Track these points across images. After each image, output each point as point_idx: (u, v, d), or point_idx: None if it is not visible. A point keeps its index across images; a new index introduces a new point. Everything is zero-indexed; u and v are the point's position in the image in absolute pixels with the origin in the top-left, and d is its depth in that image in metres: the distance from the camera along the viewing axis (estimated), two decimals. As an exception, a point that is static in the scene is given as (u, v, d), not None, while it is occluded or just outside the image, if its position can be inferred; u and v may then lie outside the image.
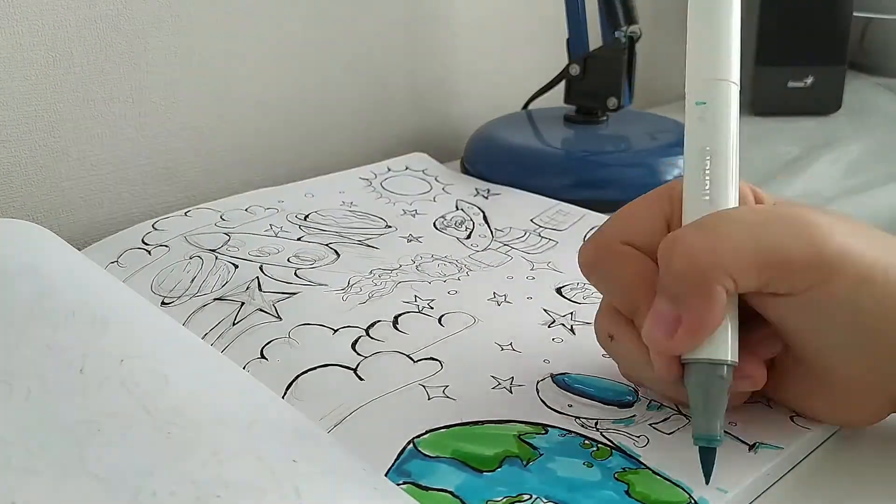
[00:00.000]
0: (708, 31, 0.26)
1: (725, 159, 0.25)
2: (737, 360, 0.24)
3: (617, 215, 0.27)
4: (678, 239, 0.24)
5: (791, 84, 0.67)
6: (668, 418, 0.28)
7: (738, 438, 0.27)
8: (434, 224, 0.45)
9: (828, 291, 0.23)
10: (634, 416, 0.28)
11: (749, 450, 0.26)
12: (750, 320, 0.25)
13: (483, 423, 0.27)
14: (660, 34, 0.78)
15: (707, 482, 0.24)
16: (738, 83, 0.26)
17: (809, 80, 0.67)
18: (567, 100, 0.55)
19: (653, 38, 0.75)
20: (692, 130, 0.26)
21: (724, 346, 0.24)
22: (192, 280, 0.38)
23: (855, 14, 0.66)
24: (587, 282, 0.30)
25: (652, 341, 0.25)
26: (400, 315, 0.34)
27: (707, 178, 0.25)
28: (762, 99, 0.68)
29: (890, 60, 0.86)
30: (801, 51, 0.66)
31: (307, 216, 0.45)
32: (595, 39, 0.53)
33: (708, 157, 0.25)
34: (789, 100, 0.67)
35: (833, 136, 0.63)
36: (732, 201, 0.25)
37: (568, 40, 0.54)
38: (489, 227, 0.45)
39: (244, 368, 0.31)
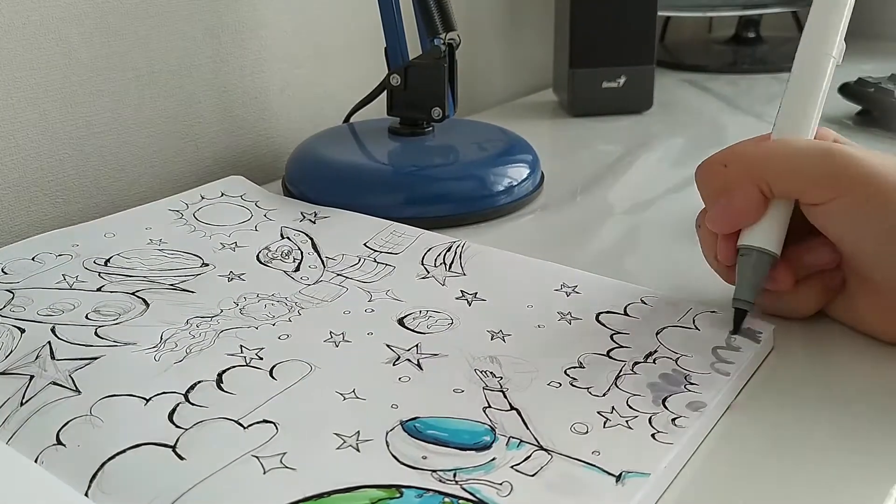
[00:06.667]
0: (825, 14, 0.35)
1: (815, 109, 0.34)
2: (777, 254, 0.33)
3: (725, 150, 0.35)
4: (738, 150, 0.34)
5: (605, 84, 0.68)
6: (529, 456, 0.26)
7: (603, 470, 0.25)
8: (257, 257, 0.41)
9: (851, 202, 0.31)
10: (494, 458, 0.26)
11: (616, 482, 0.25)
12: (805, 240, 0.34)
13: (329, 494, 0.24)
14: (475, 40, 0.77)
15: (735, 332, 0.33)
16: (837, 58, 0.35)
17: (622, 80, 0.68)
18: (390, 111, 0.52)
19: (469, 44, 0.75)
20: (796, 85, 0.35)
21: (770, 239, 0.33)
22: (-34, 353, 0.31)
23: (659, 13, 0.68)
24: (430, 308, 0.35)
25: (710, 221, 0.34)
26: (224, 371, 0.30)
27: (797, 116, 0.34)
28: (579, 100, 0.69)
29: (689, 56, 0.91)
30: (612, 52, 0.67)
31: (108, 260, 0.40)
32: (414, 48, 0.51)
33: (804, 106, 0.34)
34: (604, 100, 0.69)
35: (649, 134, 0.65)
36: (809, 135, 0.34)
37: (386, 49, 0.51)
38: (319, 255, 0.41)
39: (36, 461, 0.26)
